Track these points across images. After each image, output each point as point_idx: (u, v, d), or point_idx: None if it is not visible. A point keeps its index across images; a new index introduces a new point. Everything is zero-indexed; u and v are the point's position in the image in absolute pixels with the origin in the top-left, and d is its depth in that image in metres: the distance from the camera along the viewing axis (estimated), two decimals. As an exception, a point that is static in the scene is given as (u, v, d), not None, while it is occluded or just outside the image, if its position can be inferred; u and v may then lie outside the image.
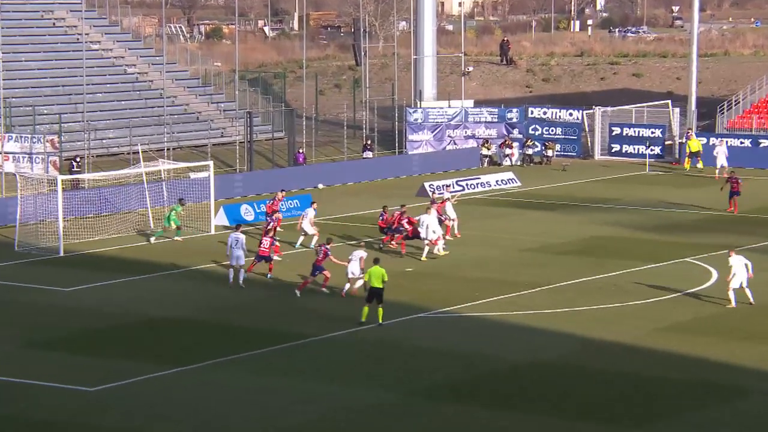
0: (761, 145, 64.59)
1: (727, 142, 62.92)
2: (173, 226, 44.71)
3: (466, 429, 25.27)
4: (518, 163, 66.94)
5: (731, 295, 34.34)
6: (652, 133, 67.62)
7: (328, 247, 36.64)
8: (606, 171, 63.87)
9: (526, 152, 67.63)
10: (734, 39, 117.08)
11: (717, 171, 59.43)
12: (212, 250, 42.52)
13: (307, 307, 35.46)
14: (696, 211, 51.05)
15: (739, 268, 34.22)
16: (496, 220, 49.12)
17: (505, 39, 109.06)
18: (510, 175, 60.63)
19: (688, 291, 36.50)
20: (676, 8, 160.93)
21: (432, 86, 71.14)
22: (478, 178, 59.74)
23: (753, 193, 55.01)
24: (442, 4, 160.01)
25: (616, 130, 68.94)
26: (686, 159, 63.68)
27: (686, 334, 31.93)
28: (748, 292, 34.40)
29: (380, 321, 32.85)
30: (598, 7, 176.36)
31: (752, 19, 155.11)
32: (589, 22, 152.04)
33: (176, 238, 44.78)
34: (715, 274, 38.38)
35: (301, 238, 43.70)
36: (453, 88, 78.59)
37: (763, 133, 66.29)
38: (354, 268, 35.59)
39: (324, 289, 36.50)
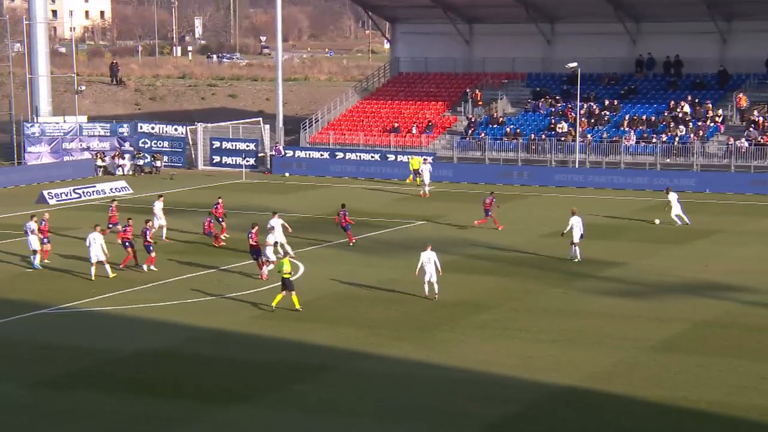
0: (337, 157, 67.08)
1: (431, 160, 60.22)
2: None
3: (90, 415, 24.55)
4: (130, 173, 65.82)
5: (677, 219, 46.25)
6: (247, 146, 68.50)
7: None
8: (209, 179, 63.99)
9: (137, 163, 66.61)
10: (312, 66, 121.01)
11: (424, 188, 56.64)
12: None
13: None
14: (288, 213, 52.07)
15: (674, 202, 46.41)
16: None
17: (115, 62, 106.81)
18: (123, 183, 59.51)
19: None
20: (263, 38, 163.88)
21: (47, 103, 68.63)
22: (94, 186, 58.31)
23: (332, 198, 57.08)
24: (55, 28, 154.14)
25: (216, 144, 69.28)
26: (410, 175, 61.00)
27: (282, 320, 32.44)
28: (685, 217, 46.26)
29: (297, 307, 32.70)
30: (197, 35, 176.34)
31: (326, 50, 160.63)
32: (190, 48, 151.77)
33: None
34: (302, 268, 39.34)
35: None
36: (68, 105, 75.95)
37: (339, 147, 68.84)
38: None
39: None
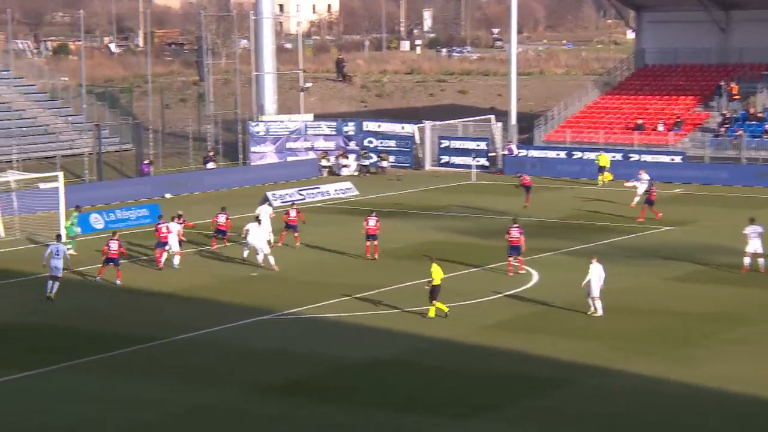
0: (574, 157, 66.22)
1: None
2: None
3: (307, 425, 25.09)
4: (355, 174, 67.08)
5: (746, 260, 38.80)
6: (478, 145, 68.59)
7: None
8: (436, 180, 64.47)
9: (362, 163, 67.85)
10: (549, 59, 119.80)
11: (636, 199, 52.85)
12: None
13: (147, 311, 34.85)
14: (520, 217, 51.77)
15: (754, 240, 38.35)
16: (335, 226, 49.09)
17: (341, 57, 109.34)
18: (348, 184, 60.72)
19: (511, 292, 36.94)
20: (496, 30, 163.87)
21: (272, 101, 70.78)
22: (318, 188, 59.73)
23: (568, 201, 56.35)
24: (281, 23, 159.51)
25: (445, 143, 69.75)
26: (599, 173, 60.68)
27: (511, 331, 32.35)
28: (760, 261, 38.69)
29: (432, 315, 33.49)
30: (426, 28, 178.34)
31: (564, 42, 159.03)
32: (418, 42, 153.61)
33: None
34: (535, 276, 38.99)
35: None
36: (293, 103, 78.23)
37: (576, 146, 67.99)
38: None
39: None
